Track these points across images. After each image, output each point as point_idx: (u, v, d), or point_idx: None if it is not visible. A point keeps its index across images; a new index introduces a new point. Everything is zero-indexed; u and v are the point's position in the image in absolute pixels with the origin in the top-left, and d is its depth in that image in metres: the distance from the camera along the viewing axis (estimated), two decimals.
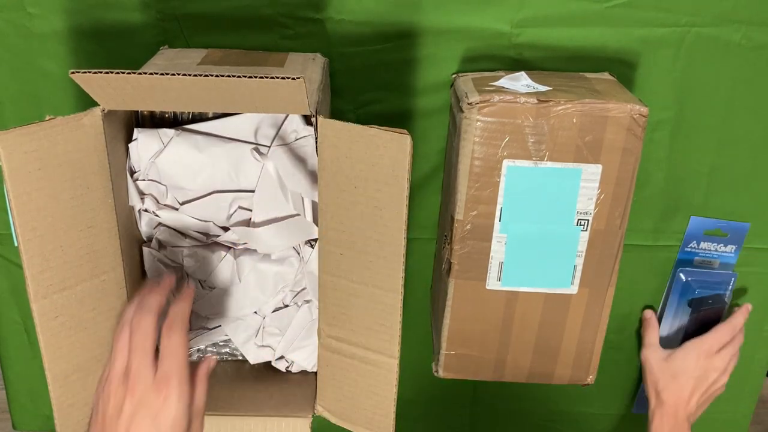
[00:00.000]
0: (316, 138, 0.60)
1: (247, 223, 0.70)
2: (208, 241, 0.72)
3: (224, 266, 0.71)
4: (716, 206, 0.81)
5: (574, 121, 0.63)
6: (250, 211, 0.70)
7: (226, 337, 0.78)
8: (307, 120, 0.70)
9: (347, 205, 0.60)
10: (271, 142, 0.69)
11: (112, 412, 0.56)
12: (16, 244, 0.58)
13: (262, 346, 0.77)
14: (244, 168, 0.69)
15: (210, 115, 0.69)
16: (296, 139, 0.69)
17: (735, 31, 0.73)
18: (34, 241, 0.58)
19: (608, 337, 0.73)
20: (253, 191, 0.70)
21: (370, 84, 0.76)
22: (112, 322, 0.65)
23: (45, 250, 0.59)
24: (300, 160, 0.69)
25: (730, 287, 0.83)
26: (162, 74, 0.52)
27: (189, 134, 0.69)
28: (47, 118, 0.56)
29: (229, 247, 0.72)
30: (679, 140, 0.77)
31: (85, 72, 0.52)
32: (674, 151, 0.78)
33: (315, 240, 0.71)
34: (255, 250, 0.72)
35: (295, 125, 0.69)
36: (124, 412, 0.55)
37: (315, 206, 0.68)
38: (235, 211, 0.70)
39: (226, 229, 0.71)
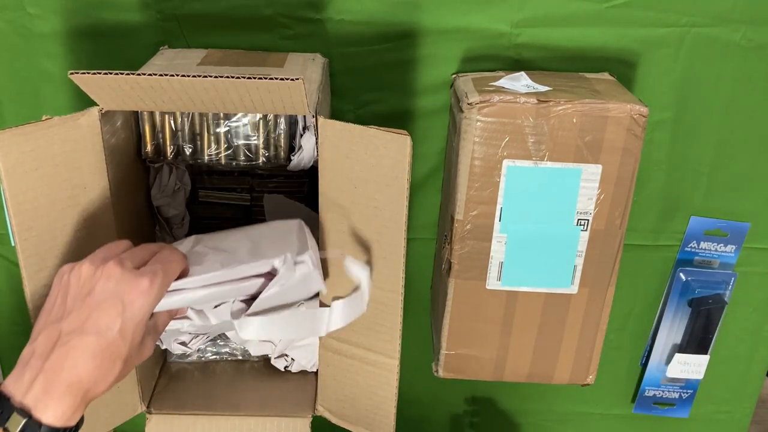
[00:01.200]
0: (317, 139, 0.60)
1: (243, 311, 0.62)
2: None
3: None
4: (716, 206, 0.81)
5: (574, 121, 0.63)
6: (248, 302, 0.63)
7: (226, 337, 0.78)
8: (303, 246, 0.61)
9: (347, 206, 0.60)
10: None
11: (79, 291, 0.51)
12: (13, 244, 0.57)
13: (264, 341, 0.77)
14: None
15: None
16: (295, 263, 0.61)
17: (735, 31, 0.73)
18: (30, 241, 0.58)
19: (608, 337, 0.73)
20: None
21: (370, 84, 0.76)
22: None
23: (41, 249, 0.59)
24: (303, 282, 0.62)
25: (730, 287, 0.83)
26: (161, 75, 0.52)
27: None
28: (44, 118, 0.56)
29: None
30: (679, 140, 0.77)
31: (84, 73, 0.52)
32: (674, 151, 0.78)
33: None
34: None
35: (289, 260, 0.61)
36: (94, 293, 0.50)
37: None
38: (233, 302, 0.62)
39: None
